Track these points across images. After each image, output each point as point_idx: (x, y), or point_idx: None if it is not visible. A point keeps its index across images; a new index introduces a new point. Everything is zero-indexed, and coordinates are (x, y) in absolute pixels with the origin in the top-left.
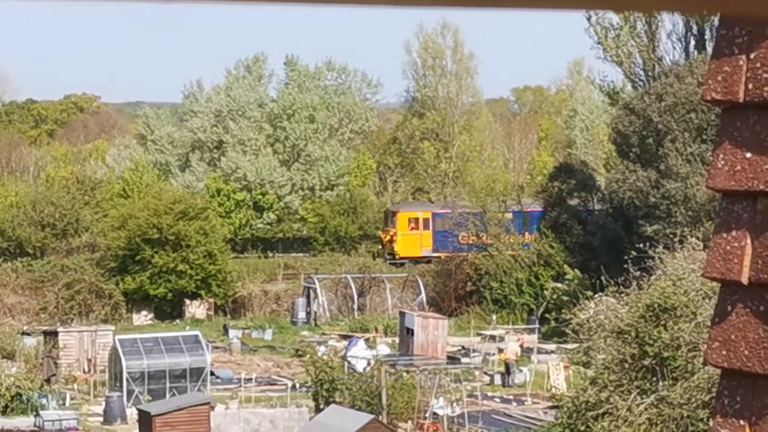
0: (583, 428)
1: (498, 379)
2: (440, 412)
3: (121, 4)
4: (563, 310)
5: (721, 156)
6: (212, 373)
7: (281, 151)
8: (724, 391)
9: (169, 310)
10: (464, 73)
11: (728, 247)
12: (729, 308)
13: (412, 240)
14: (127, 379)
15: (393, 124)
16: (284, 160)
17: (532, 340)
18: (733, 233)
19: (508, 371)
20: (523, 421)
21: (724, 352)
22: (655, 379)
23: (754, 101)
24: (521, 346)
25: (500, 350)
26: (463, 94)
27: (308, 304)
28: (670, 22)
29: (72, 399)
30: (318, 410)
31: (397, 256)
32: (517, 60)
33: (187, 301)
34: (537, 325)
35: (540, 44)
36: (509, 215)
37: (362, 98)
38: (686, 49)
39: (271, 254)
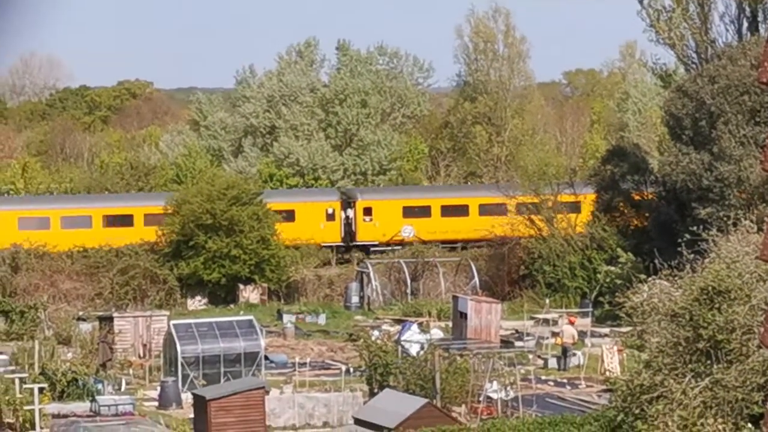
0: (637, 411)
1: (552, 363)
2: (494, 396)
3: None
4: (617, 294)
5: None
6: (266, 358)
7: (333, 135)
8: None
9: (223, 295)
10: (516, 57)
11: None
12: None
13: None
14: (182, 364)
15: (445, 109)
16: (336, 145)
17: (585, 323)
18: None
19: (565, 355)
20: (577, 405)
21: None
22: (709, 362)
23: None
24: (571, 322)
25: (554, 333)
26: (515, 77)
27: (362, 288)
28: (722, 4)
29: (127, 384)
30: (372, 394)
31: None
32: (569, 43)
33: (241, 286)
34: (590, 309)
35: (592, 27)
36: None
37: (414, 82)
38: (739, 31)
39: None
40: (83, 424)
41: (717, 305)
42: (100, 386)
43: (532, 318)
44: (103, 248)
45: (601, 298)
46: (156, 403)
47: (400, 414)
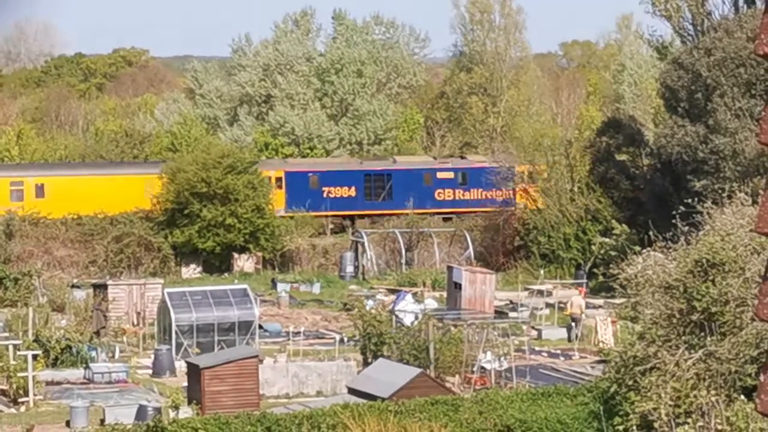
0: (630, 383)
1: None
2: (488, 366)
3: None
4: (611, 265)
5: None
6: (260, 327)
7: (329, 105)
8: None
9: (217, 263)
10: (512, 28)
11: None
12: None
13: None
14: (176, 332)
15: (441, 79)
16: (332, 115)
17: None
18: None
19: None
20: (570, 376)
21: None
22: (703, 334)
23: None
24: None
25: (549, 303)
26: (511, 48)
27: (356, 258)
28: None
29: (121, 352)
30: (366, 364)
31: None
32: (566, 14)
33: (236, 255)
34: (585, 280)
35: None
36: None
37: (410, 53)
38: (735, 4)
39: None
40: (77, 391)
41: (711, 277)
42: (93, 354)
43: (526, 289)
44: (97, 215)
45: (595, 270)
46: (150, 371)
47: (394, 384)
